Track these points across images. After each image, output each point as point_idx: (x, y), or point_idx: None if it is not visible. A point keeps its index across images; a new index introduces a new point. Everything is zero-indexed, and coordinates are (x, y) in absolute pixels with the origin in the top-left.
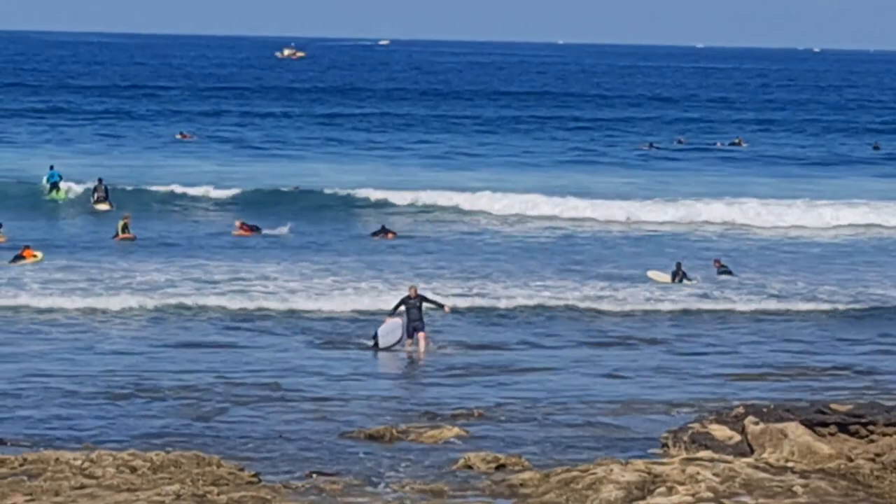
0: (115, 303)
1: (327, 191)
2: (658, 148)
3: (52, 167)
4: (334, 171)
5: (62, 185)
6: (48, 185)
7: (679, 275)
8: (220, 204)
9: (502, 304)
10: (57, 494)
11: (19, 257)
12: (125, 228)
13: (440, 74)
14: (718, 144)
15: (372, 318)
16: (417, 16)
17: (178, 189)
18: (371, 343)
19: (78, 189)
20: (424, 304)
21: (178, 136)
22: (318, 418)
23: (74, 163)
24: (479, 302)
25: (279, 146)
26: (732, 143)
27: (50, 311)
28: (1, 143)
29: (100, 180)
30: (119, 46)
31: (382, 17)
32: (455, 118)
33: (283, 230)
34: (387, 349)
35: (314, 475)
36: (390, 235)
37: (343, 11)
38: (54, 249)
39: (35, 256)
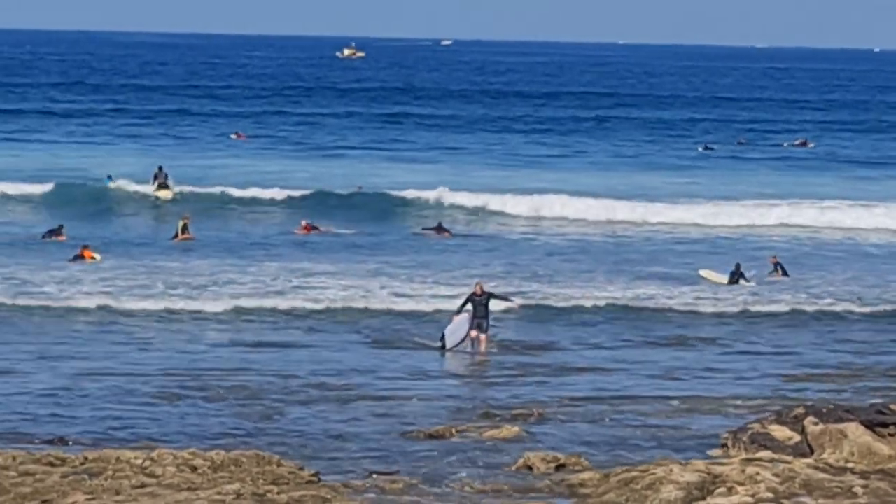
0: (174, 304)
1: (388, 191)
2: (712, 149)
3: (109, 176)
4: (396, 172)
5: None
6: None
7: (737, 275)
8: (280, 204)
9: (558, 303)
10: (118, 493)
11: (79, 257)
12: (185, 229)
13: (502, 75)
14: (785, 145)
15: (429, 318)
16: (479, 17)
17: (236, 190)
18: (438, 344)
19: (140, 188)
20: (492, 301)
21: (234, 137)
22: (377, 418)
23: (134, 162)
24: (535, 301)
25: (340, 146)
26: (797, 144)
27: (109, 311)
28: (63, 143)
29: (160, 168)
30: (181, 47)
31: (444, 18)
32: (514, 119)
33: (345, 230)
34: (453, 349)
35: (374, 475)
36: (446, 234)
37: (406, 11)
38: (114, 249)
39: (94, 258)
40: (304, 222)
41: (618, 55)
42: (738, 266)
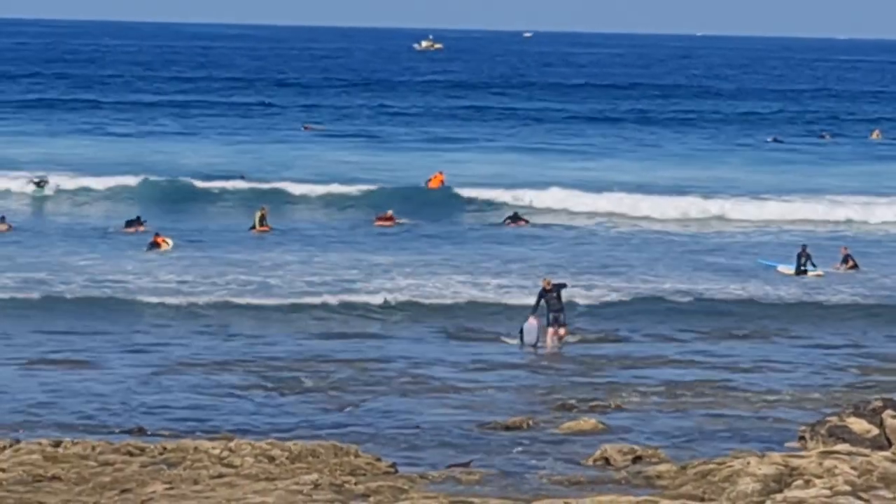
0: (251, 295)
1: (464, 184)
2: (781, 141)
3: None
4: (473, 164)
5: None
6: None
7: (804, 264)
8: (353, 197)
9: (635, 295)
10: (196, 483)
11: (154, 244)
12: (262, 220)
13: (580, 66)
14: (875, 134)
15: (506, 310)
16: (560, 8)
17: (302, 186)
18: (516, 340)
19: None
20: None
21: (304, 129)
22: (454, 409)
23: (210, 153)
24: (611, 293)
25: (415, 138)
26: (872, 136)
27: (187, 302)
28: (145, 135)
29: (242, 176)
30: (255, 38)
31: (527, 9)
32: (590, 111)
33: (420, 220)
34: (530, 345)
35: (451, 467)
36: (522, 223)
37: (487, 3)
38: (192, 240)
39: (167, 244)
40: (390, 212)
41: (696, 46)
42: (804, 248)
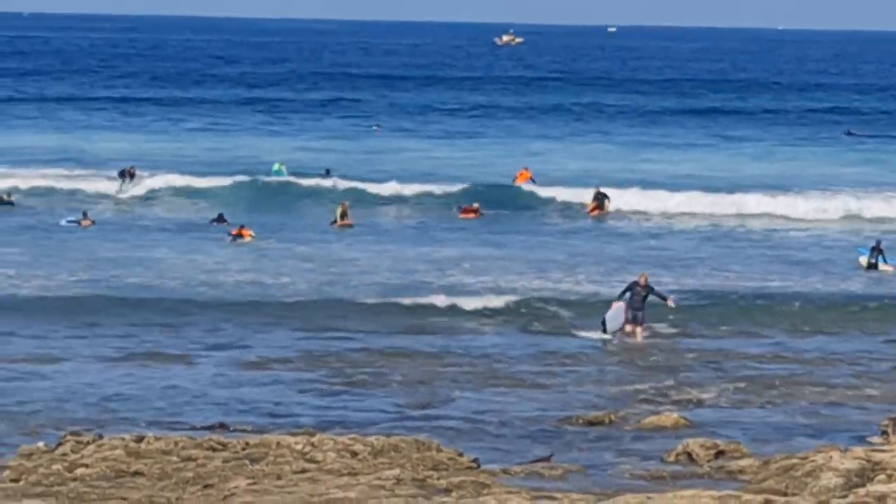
0: (331, 289)
1: (550, 180)
2: (855, 135)
3: (280, 165)
4: (558, 160)
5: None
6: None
7: (877, 252)
8: (435, 194)
9: (713, 291)
10: (279, 478)
11: (237, 236)
12: (344, 215)
13: (665, 61)
14: None
15: (583, 305)
16: (646, 2)
17: (394, 182)
18: (600, 330)
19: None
20: (650, 296)
21: (375, 129)
22: (536, 405)
23: (292, 149)
24: (690, 289)
25: (493, 136)
26: None
27: (270, 298)
28: (219, 133)
29: (327, 170)
30: (338, 33)
31: (613, 4)
32: (673, 106)
33: (500, 215)
34: (613, 334)
35: (533, 462)
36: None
37: None
38: (273, 234)
39: (250, 236)
40: (476, 204)
41: (779, 40)
42: (878, 243)
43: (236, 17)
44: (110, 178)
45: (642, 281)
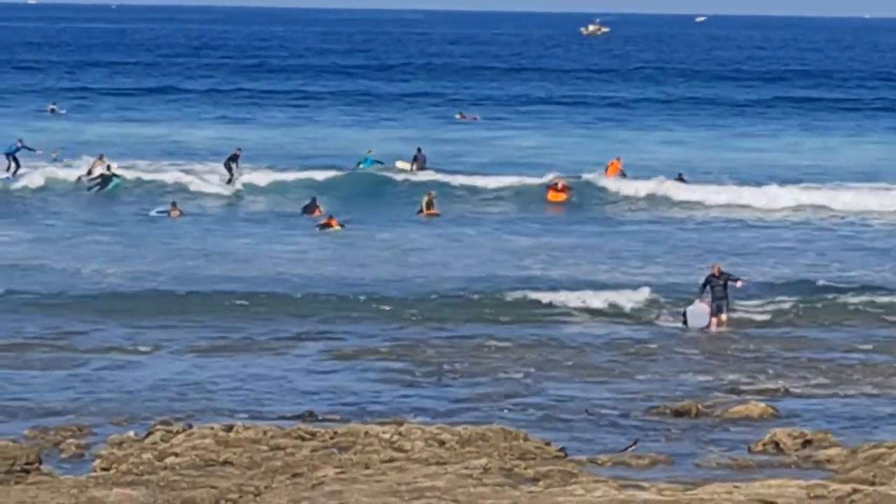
0: (417, 284)
1: (632, 173)
2: None
3: (369, 151)
4: (647, 150)
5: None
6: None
7: None
8: (523, 187)
9: (791, 282)
10: (367, 467)
11: (325, 225)
12: (430, 204)
13: (753, 50)
14: None
15: (670, 293)
16: None
17: (482, 174)
18: (681, 322)
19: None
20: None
21: (457, 117)
22: (622, 394)
23: (378, 140)
24: (769, 280)
25: (582, 126)
26: None
27: (355, 288)
28: (309, 123)
29: (419, 149)
30: (426, 23)
31: None
32: (760, 97)
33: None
34: (695, 328)
35: (622, 451)
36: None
37: None
38: (363, 224)
39: (340, 226)
40: (561, 182)
41: (864, 28)
42: None
43: (325, 7)
44: (206, 169)
45: (716, 271)
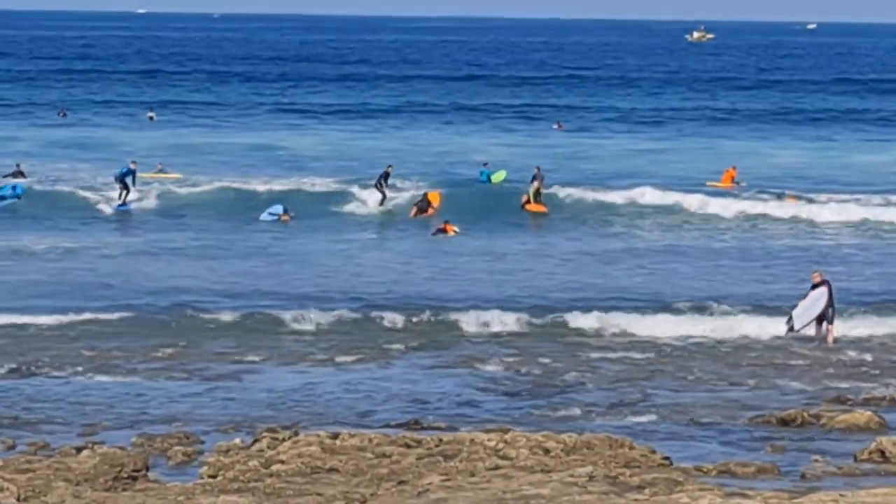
0: (520, 287)
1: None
2: None
3: (485, 164)
4: (761, 161)
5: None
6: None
7: None
8: (620, 199)
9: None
10: (472, 475)
11: (440, 231)
12: (537, 195)
13: (865, 57)
14: None
15: (774, 304)
16: None
17: (586, 187)
18: (786, 326)
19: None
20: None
21: (555, 127)
22: (727, 402)
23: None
24: (868, 291)
25: (689, 135)
26: None
27: (463, 296)
28: (416, 132)
29: (538, 168)
30: (520, 30)
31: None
32: (875, 107)
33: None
34: (800, 330)
35: (726, 461)
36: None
37: None
38: (475, 232)
39: (455, 231)
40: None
41: None
42: None
43: (421, 15)
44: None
45: (817, 279)
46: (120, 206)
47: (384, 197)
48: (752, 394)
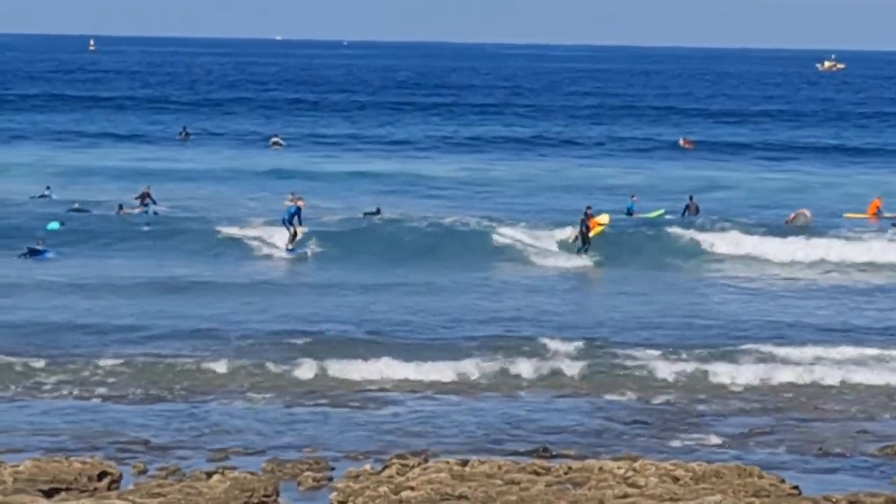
0: (652, 316)
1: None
2: None
3: (633, 197)
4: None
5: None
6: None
7: None
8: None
9: None
10: (601, 502)
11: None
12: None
13: None
14: None
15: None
16: None
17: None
18: None
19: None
20: None
21: (681, 142)
22: (857, 434)
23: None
24: None
25: (828, 166)
26: None
27: (587, 323)
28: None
29: (691, 197)
30: (620, 59)
31: None
32: None
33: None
34: None
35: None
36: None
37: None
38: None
39: (600, 225)
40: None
41: None
42: None
43: (507, 42)
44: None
45: None
46: (289, 250)
47: (587, 245)
48: (880, 425)
